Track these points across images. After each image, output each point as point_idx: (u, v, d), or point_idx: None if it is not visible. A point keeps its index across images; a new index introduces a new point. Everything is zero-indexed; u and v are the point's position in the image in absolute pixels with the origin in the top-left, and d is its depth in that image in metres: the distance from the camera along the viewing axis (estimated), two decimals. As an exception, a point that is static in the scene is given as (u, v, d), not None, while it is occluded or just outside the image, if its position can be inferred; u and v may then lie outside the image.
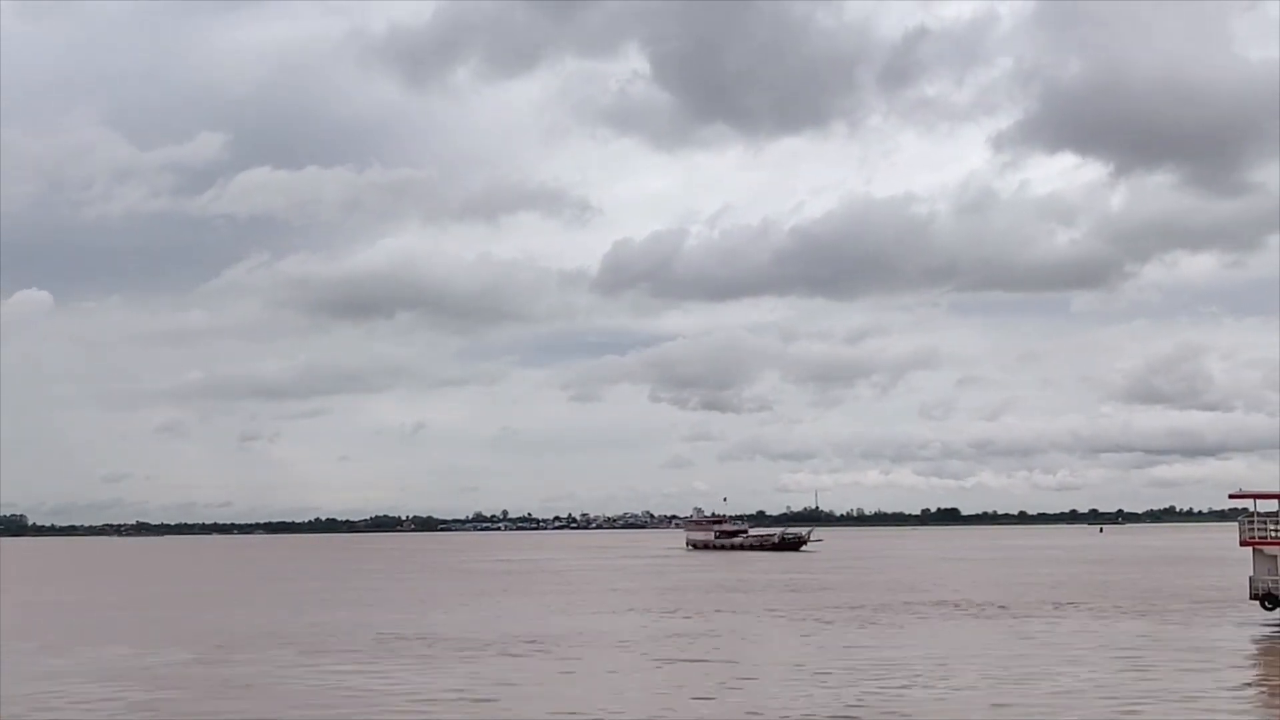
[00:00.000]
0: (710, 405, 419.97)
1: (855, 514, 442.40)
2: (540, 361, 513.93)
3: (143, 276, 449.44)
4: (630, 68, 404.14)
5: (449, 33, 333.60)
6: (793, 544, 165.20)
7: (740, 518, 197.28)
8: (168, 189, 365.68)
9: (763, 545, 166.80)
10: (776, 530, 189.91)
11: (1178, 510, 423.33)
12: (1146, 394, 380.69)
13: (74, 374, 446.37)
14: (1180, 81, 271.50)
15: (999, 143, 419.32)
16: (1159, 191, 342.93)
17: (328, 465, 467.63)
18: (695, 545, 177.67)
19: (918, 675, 36.84)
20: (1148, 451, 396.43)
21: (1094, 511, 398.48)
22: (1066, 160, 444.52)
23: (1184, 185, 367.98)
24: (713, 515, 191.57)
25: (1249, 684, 36.18)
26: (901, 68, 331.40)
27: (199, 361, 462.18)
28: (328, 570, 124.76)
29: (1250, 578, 52.03)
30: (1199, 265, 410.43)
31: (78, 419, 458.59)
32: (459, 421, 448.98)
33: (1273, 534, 51.06)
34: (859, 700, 32.50)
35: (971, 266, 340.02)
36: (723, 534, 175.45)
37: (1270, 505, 52.28)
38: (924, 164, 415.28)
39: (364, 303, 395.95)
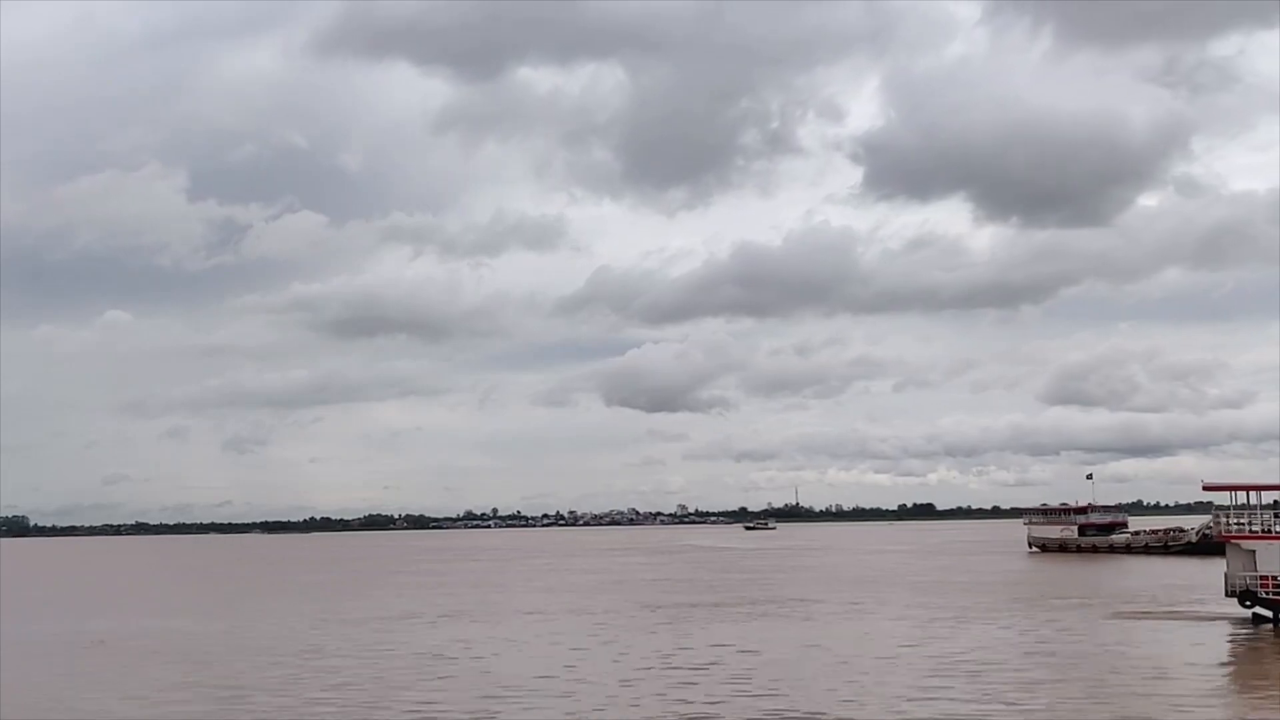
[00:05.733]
0: (675, 409, 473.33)
1: (834, 510, 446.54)
2: (521, 372, 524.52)
3: (174, 298, 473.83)
4: (598, 141, 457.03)
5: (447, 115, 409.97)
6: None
7: (1107, 508, 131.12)
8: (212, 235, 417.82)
9: (1165, 546, 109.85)
10: (1194, 521, 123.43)
11: (1145, 504, 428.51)
12: (1078, 397, 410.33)
13: (99, 384, 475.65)
14: (1049, 134, 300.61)
15: (890, 190, 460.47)
16: (1050, 226, 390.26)
17: (324, 467, 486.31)
18: (1044, 546, 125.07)
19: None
20: (1089, 450, 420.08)
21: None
22: (955, 203, 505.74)
23: (1069, 220, 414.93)
24: (1071, 504, 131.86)
25: (1222, 688, 34.26)
26: (787, 135, 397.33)
27: (210, 374, 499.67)
28: (246, 573, 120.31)
29: (1225, 574, 49.14)
30: (1098, 288, 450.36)
31: (91, 425, 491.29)
32: (448, 426, 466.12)
33: (1250, 528, 48.33)
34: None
35: (894, 291, 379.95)
36: (1090, 528, 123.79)
37: (1242, 497, 49.55)
38: (840, 206, 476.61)
39: (367, 324, 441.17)
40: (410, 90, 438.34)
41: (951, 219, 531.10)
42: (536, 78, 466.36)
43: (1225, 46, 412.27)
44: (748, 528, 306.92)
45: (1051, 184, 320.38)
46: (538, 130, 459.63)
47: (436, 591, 79.97)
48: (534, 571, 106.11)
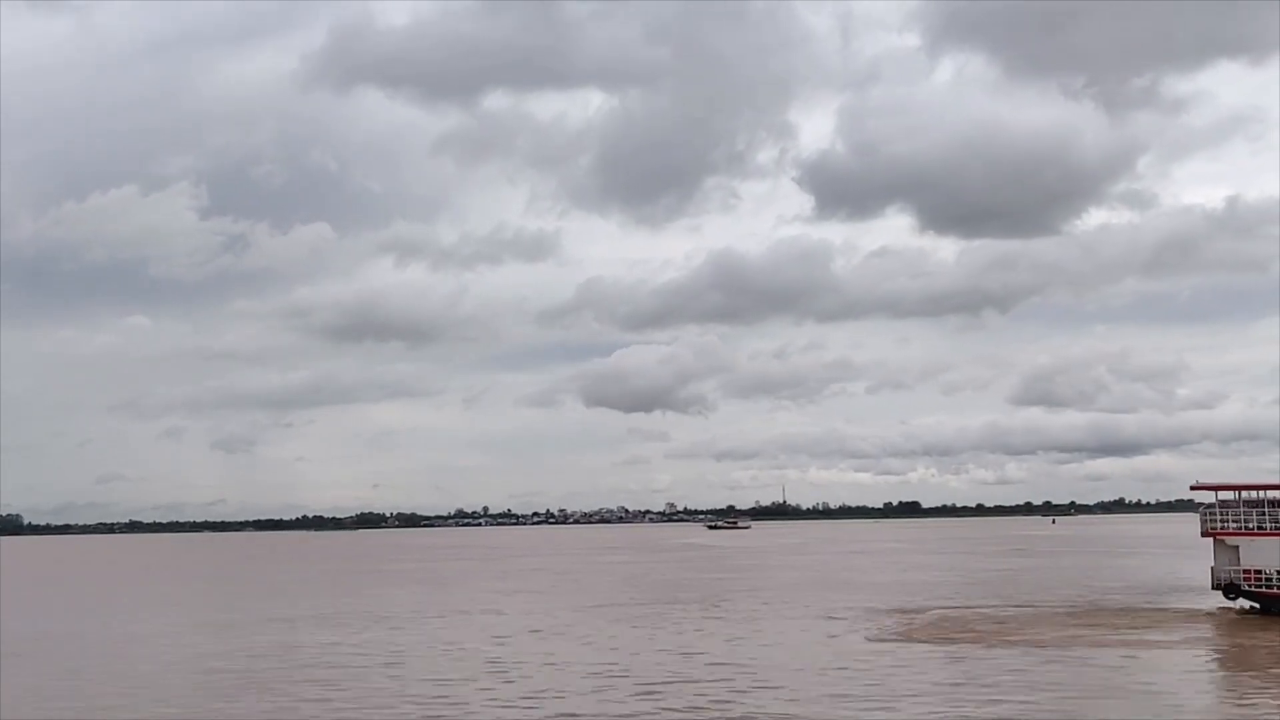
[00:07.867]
0: (652, 409, 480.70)
1: (821, 508, 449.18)
2: (510, 375, 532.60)
3: (177, 304, 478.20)
4: (585, 165, 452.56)
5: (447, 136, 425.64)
6: None
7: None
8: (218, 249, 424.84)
9: None
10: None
11: (1127, 502, 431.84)
12: (1049, 399, 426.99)
13: (99, 386, 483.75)
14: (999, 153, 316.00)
15: (851, 208, 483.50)
16: (997, 239, 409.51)
17: (316, 467, 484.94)
18: None
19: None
20: (1064, 449, 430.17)
21: (1048, 504, 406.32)
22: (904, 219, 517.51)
23: (1023, 234, 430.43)
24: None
25: (1215, 680, 34.73)
26: (746, 157, 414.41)
27: (207, 376, 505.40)
28: (215, 573, 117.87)
29: (1212, 568, 51.10)
30: (1058, 296, 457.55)
31: (88, 425, 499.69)
32: (439, 427, 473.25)
33: (1234, 525, 50.22)
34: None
35: (863, 299, 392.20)
36: None
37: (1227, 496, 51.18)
38: (811, 222, 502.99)
39: (362, 329, 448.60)
40: (412, 112, 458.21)
41: (907, 234, 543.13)
42: (534, 103, 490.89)
43: (1168, 77, 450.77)
44: (710, 526, 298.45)
45: (1003, 201, 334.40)
46: (531, 151, 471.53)
47: (392, 591, 78.63)
48: (507, 573, 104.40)
